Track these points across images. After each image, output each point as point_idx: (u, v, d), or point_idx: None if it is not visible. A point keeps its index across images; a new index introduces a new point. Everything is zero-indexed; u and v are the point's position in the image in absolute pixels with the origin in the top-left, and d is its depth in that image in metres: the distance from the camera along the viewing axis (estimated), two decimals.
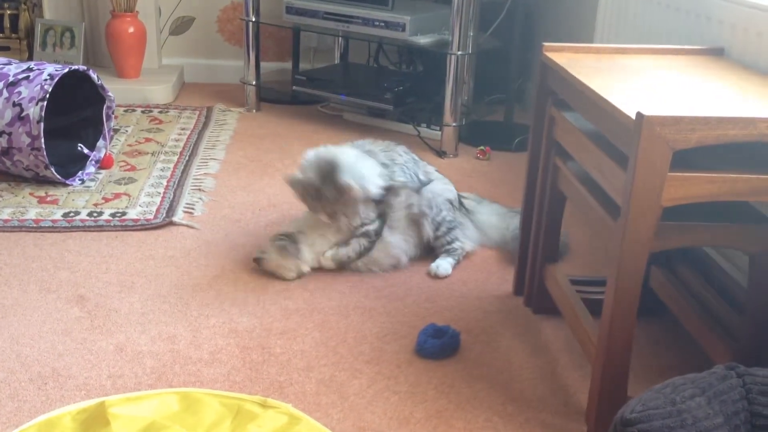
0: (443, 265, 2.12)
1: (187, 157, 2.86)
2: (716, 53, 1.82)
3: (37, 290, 1.95)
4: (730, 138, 1.31)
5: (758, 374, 1.14)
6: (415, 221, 2.14)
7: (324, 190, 1.99)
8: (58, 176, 2.51)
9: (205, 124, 3.23)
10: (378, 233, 2.08)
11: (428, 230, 2.14)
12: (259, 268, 2.06)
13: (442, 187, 2.19)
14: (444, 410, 1.57)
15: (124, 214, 2.38)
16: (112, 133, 2.75)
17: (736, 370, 1.15)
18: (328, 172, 2.00)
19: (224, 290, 1.99)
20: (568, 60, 1.71)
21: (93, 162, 2.67)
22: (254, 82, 3.41)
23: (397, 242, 2.12)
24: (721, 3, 1.85)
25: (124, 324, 1.82)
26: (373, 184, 2.04)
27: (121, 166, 2.75)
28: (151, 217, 2.36)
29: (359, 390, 1.62)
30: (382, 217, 2.10)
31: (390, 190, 2.09)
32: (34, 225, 2.28)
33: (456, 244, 2.16)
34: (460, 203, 2.26)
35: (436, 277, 2.10)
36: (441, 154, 3.00)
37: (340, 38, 3.65)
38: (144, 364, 1.67)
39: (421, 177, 2.16)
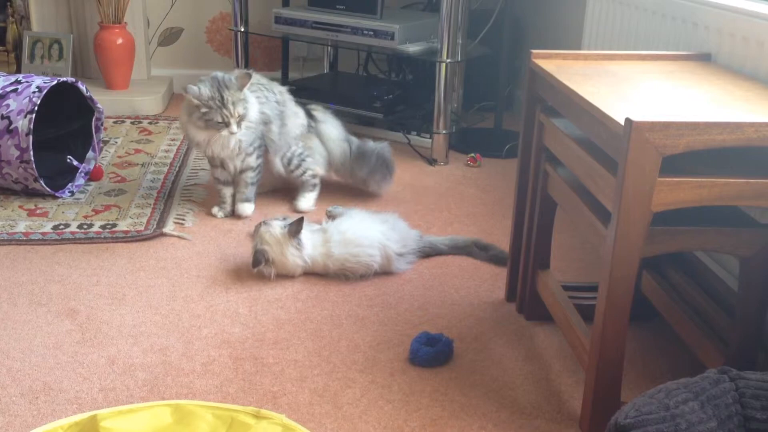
0: (303, 202, 2.49)
1: (177, 168, 2.85)
2: (703, 59, 1.84)
3: (28, 304, 1.94)
4: (718, 143, 1.32)
5: (751, 378, 1.14)
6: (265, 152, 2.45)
7: (226, 95, 2.25)
8: (48, 189, 2.50)
9: None
10: (260, 164, 2.44)
11: (279, 167, 2.49)
12: (262, 264, 2.07)
13: (294, 123, 2.48)
14: (438, 418, 1.56)
15: (114, 225, 2.37)
16: (101, 144, 2.74)
17: (729, 374, 1.15)
18: (223, 78, 2.28)
19: (216, 301, 1.98)
20: (556, 67, 1.72)
21: (82, 174, 2.66)
22: None
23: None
24: (707, 9, 1.86)
25: (115, 336, 1.81)
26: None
27: (111, 178, 2.74)
28: (142, 228, 2.35)
29: (353, 399, 1.61)
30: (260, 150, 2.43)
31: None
32: (24, 238, 2.26)
33: (308, 174, 2.50)
34: (310, 116, 2.56)
35: (299, 212, 2.46)
36: (432, 161, 3.01)
37: (329, 47, 3.65)
38: (136, 377, 1.66)
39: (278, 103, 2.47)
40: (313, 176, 2.53)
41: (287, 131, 2.48)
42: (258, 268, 2.06)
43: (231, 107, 2.25)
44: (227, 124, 2.27)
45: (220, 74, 2.30)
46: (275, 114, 2.45)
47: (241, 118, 2.29)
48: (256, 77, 2.44)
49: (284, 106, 2.49)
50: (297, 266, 2.08)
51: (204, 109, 2.26)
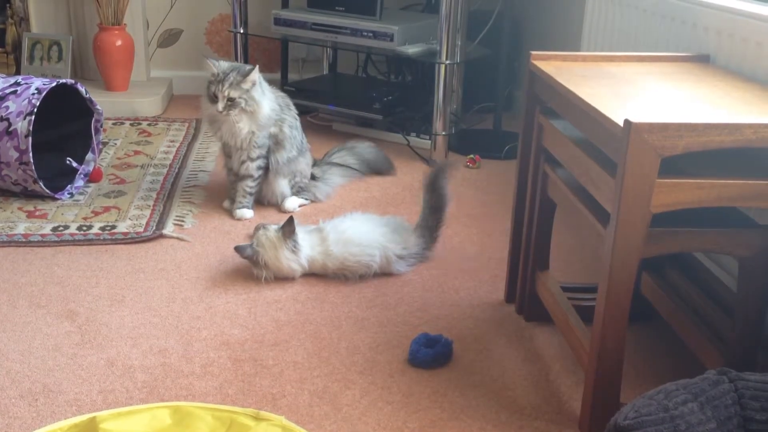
0: (289, 203, 2.55)
1: (176, 170, 2.85)
2: (702, 60, 1.84)
3: (27, 305, 1.94)
4: (717, 144, 1.32)
5: (750, 379, 1.14)
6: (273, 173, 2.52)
7: (230, 75, 2.33)
8: (47, 190, 2.50)
9: (195, 137, 3.23)
10: (260, 176, 2.49)
11: (285, 189, 2.54)
12: (252, 261, 2.08)
13: (306, 162, 2.59)
14: (437, 419, 1.56)
15: (113, 227, 2.37)
16: (100, 146, 2.74)
17: (728, 375, 1.15)
18: (238, 66, 2.38)
19: (215, 302, 1.98)
20: (555, 68, 1.72)
21: (82, 175, 2.66)
22: None
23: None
24: (706, 10, 1.87)
25: (114, 338, 1.81)
26: (270, 100, 2.45)
27: (110, 180, 2.74)
28: (141, 230, 2.35)
29: (352, 401, 1.61)
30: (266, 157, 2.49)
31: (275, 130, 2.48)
32: (23, 240, 2.26)
33: (303, 194, 2.60)
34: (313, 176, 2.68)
35: (285, 211, 2.50)
36: (431, 163, 3.01)
37: (328, 49, 3.66)
38: (135, 379, 1.66)
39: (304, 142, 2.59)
40: (306, 199, 2.62)
41: (299, 162, 2.55)
42: (241, 254, 2.09)
43: (227, 87, 2.32)
44: (214, 102, 2.35)
45: (243, 65, 2.41)
46: (297, 144, 2.53)
47: (231, 103, 2.34)
48: (296, 115, 2.56)
49: (306, 148, 2.59)
50: (293, 270, 2.08)
51: (210, 79, 2.37)
